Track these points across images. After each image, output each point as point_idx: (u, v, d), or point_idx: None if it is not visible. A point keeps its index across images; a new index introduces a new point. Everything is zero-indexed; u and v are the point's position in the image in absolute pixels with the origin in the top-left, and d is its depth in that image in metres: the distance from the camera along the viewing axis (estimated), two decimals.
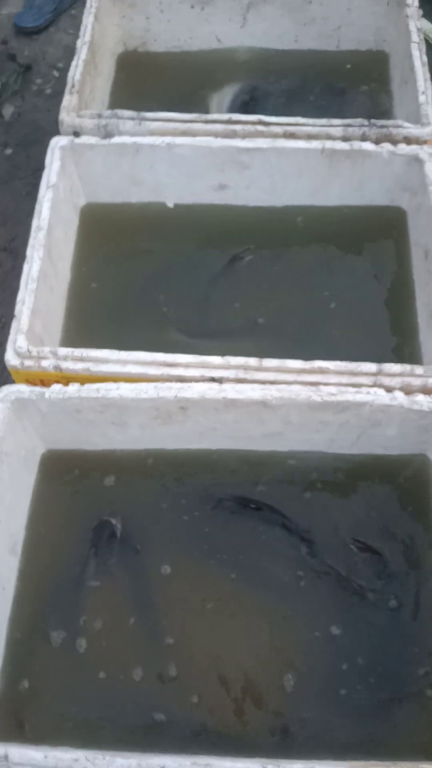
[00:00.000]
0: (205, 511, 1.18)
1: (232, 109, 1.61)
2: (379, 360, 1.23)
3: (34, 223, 1.24)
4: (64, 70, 2.09)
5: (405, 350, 1.29)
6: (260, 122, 1.34)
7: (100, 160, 1.36)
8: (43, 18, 2.17)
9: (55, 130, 1.95)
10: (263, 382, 1.08)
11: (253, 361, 1.09)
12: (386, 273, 1.40)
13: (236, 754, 0.84)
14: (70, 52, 2.13)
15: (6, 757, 0.82)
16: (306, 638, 1.05)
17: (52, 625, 1.07)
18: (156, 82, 1.73)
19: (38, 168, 1.84)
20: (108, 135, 1.35)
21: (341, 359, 1.11)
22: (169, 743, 0.94)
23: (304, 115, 1.56)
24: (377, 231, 1.44)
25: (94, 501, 1.19)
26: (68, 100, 1.38)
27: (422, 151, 1.31)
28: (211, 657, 1.04)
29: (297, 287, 1.39)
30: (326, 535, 1.14)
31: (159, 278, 1.41)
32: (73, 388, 1.08)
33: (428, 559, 1.12)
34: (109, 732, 0.98)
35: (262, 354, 1.12)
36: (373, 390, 1.06)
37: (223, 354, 1.11)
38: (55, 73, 2.08)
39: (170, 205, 1.42)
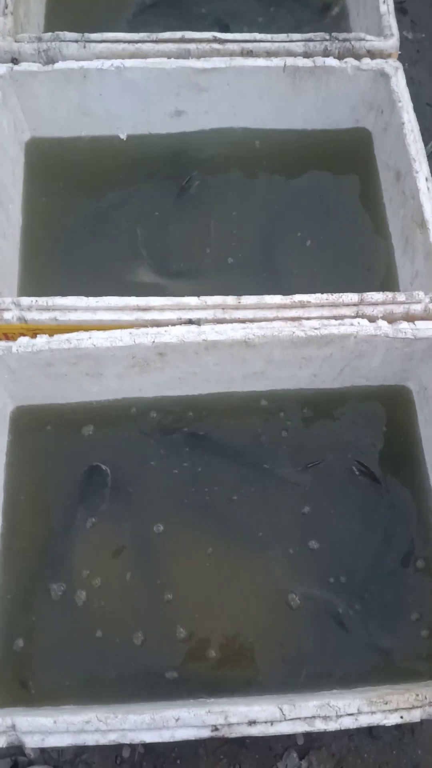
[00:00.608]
0: (185, 454, 1.15)
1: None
2: (357, 288, 1.21)
3: None
4: None
5: (381, 276, 1.26)
6: (215, 39, 1.24)
7: (43, 89, 1.24)
8: None
9: None
10: (243, 321, 1.04)
11: (230, 299, 1.04)
12: (355, 198, 1.35)
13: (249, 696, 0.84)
14: None
15: (14, 727, 0.80)
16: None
17: (47, 579, 1.04)
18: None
19: None
20: (50, 60, 1.23)
21: (317, 290, 1.07)
22: (178, 695, 0.93)
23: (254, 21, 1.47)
24: (343, 154, 1.38)
25: (72, 456, 1.14)
26: (2, 23, 1.24)
27: (388, 66, 1.24)
28: (209, 600, 1.03)
29: (261, 217, 1.33)
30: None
31: (115, 216, 1.33)
32: (41, 341, 1.01)
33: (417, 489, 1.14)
34: (116, 686, 0.97)
35: (234, 289, 1.08)
36: (356, 321, 1.03)
37: (198, 294, 1.05)
38: None
39: (123, 137, 1.32)
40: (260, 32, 1.26)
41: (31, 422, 1.16)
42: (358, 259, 1.28)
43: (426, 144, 1.65)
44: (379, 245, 1.28)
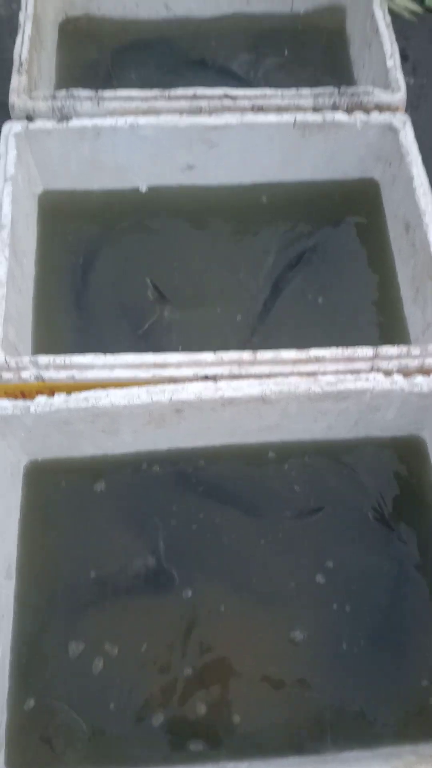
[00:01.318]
0: (198, 506, 1.15)
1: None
2: (368, 339, 1.22)
3: None
4: None
5: (392, 325, 1.27)
6: (227, 96, 1.26)
7: (57, 145, 1.26)
8: None
9: None
10: (259, 376, 1.04)
11: (246, 354, 1.05)
12: (364, 247, 1.36)
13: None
14: (2, 24, 1.98)
15: None
16: None
17: (61, 639, 1.03)
18: (101, 51, 1.62)
19: None
20: (64, 117, 1.25)
21: (329, 343, 1.08)
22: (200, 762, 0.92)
23: (264, 77, 1.50)
24: (351, 204, 1.40)
25: (86, 511, 1.14)
26: (17, 81, 1.27)
27: (396, 119, 1.27)
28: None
29: (270, 266, 1.34)
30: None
31: (126, 268, 1.34)
32: (59, 399, 1.01)
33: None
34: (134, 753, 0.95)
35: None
36: (371, 375, 1.03)
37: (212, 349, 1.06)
38: None
39: (143, 189, 1.34)
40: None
41: (44, 476, 1.15)
42: (369, 308, 1.29)
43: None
44: (389, 294, 1.29)
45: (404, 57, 1.95)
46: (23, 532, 1.11)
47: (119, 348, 1.06)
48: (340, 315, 1.29)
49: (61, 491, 1.15)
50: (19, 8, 2.01)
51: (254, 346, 1.09)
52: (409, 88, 1.89)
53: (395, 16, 2.01)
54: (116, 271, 1.33)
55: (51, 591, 1.08)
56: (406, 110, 1.35)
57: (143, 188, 1.34)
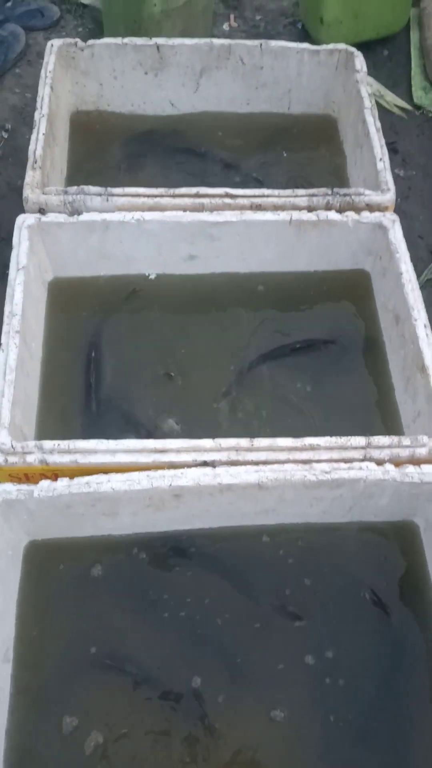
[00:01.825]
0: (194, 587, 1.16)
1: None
2: (361, 422, 1.26)
3: (7, 308, 1.21)
4: (13, 131, 2.07)
5: (383, 411, 1.32)
6: (227, 195, 1.35)
7: (67, 236, 1.34)
8: None
9: (7, 193, 1.93)
10: (256, 463, 1.08)
11: (244, 441, 1.09)
12: (355, 337, 1.42)
13: None
14: (17, 112, 2.12)
15: None
16: None
17: (55, 721, 1.03)
18: (111, 143, 1.73)
19: None
20: (75, 211, 1.34)
21: (322, 430, 1.13)
22: None
23: (263, 176, 1.61)
24: (343, 293, 1.48)
25: (82, 588, 1.15)
26: (31, 176, 1.36)
27: (385, 219, 1.36)
28: None
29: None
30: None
31: (127, 352, 1.39)
32: (62, 484, 1.04)
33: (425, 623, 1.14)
34: None
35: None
36: (364, 464, 1.07)
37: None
38: (4, 134, 2.04)
39: (152, 276, 1.41)
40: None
41: (43, 557, 1.17)
42: (360, 394, 1.34)
43: (419, 275, 1.77)
44: (381, 381, 1.34)
45: (394, 150, 2.09)
46: (21, 613, 1.12)
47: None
48: (335, 399, 1.34)
49: (60, 571, 1.16)
50: (32, 96, 2.17)
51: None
52: (400, 180, 2.03)
53: (386, 112, 2.16)
54: (119, 353, 1.38)
55: (48, 674, 1.08)
56: (397, 199, 1.44)
57: (152, 275, 1.40)
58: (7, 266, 1.74)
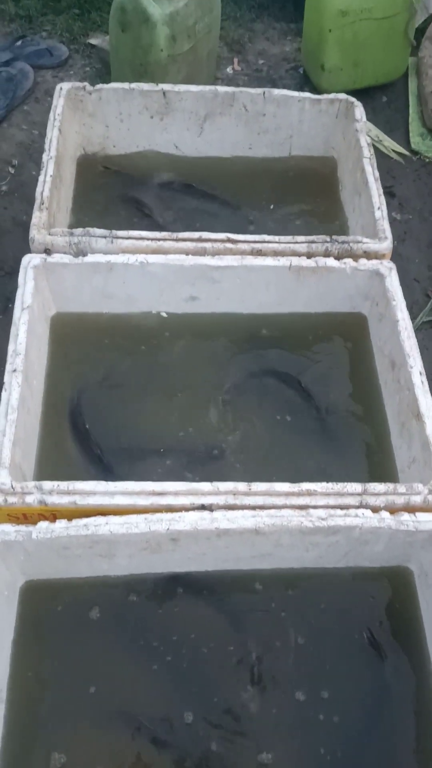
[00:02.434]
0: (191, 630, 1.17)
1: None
2: (356, 466, 1.28)
3: (11, 346, 1.23)
4: (20, 167, 2.11)
5: (378, 455, 1.33)
6: (229, 240, 1.39)
7: (72, 276, 1.37)
8: None
9: (12, 227, 1.97)
10: (253, 507, 1.09)
11: (242, 485, 1.10)
12: (352, 377, 1.45)
13: None
14: (24, 148, 2.17)
15: None
16: None
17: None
18: (116, 184, 1.77)
19: None
20: (80, 252, 1.36)
21: (321, 472, 1.14)
22: None
23: (263, 219, 1.64)
24: (340, 335, 1.51)
25: (78, 631, 1.15)
26: (38, 217, 1.39)
27: (382, 266, 1.39)
28: None
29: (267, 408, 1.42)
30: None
31: (127, 388, 1.41)
32: (60, 526, 1.05)
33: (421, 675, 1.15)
34: None
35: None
36: (360, 511, 1.08)
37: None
38: (11, 170, 2.09)
39: (164, 315, 1.44)
40: None
41: (40, 597, 1.17)
42: (356, 437, 1.36)
43: (415, 318, 1.80)
44: (376, 425, 1.36)
45: (391, 194, 2.14)
46: (16, 653, 1.12)
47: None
48: (332, 440, 1.35)
49: (55, 612, 1.16)
50: (39, 133, 2.22)
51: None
52: (397, 223, 2.07)
53: (384, 156, 2.22)
54: (118, 392, 1.40)
55: (40, 715, 1.07)
56: (394, 242, 1.48)
57: (164, 314, 1.44)
58: (9, 299, 1.78)
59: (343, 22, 2.11)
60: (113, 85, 1.69)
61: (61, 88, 1.64)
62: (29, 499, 1.07)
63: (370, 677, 1.14)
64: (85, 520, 1.06)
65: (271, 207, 1.75)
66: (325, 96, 1.71)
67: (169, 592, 1.18)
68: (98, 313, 1.47)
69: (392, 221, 2.06)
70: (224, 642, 1.16)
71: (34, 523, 1.08)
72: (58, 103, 1.61)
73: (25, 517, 1.10)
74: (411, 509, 1.10)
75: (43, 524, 1.05)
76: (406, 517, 1.09)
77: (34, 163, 2.13)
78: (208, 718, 1.09)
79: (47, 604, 1.16)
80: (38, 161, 2.10)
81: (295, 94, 1.70)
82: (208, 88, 1.68)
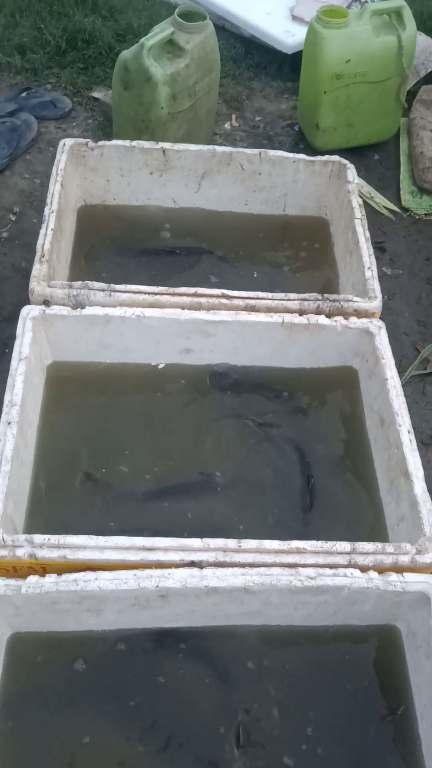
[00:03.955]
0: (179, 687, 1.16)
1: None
2: (346, 530, 1.29)
3: (7, 397, 1.25)
4: (21, 215, 2.16)
5: (368, 511, 1.35)
6: (224, 295, 1.42)
7: (69, 328, 1.40)
8: None
9: (11, 274, 2.00)
10: (243, 565, 1.10)
11: (231, 542, 1.11)
12: (341, 430, 1.47)
13: None
14: (25, 196, 2.22)
15: None
16: None
17: None
18: (114, 232, 1.82)
19: None
20: (78, 305, 1.40)
21: (308, 525, 1.15)
22: None
23: (256, 273, 1.69)
24: (330, 388, 1.54)
25: (63, 685, 1.14)
26: (38, 269, 1.42)
27: (372, 325, 1.43)
28: None
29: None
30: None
31: (121, 436, 1.43)
32: (50, 581, 1.05)
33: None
34: None
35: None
36: (349, 571, 1.09)
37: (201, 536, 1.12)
38: (12, 217, 2.13)
39: (161, 366, 1.47)
40: None
41: (25, 649, 1.17)
42: (346, 493, 1.37)
43: (404, 372, 1.84)
44: (365, 481, 1.38)
45: (382, 249, 2.20)
46: (2, 704, 1.11)
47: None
48: (319, 490, 1.37)
49: (41, 664, 1.16)
50: (40, 182, 2.28)
51: None
52: (387, 278, 2.13)
53: (375, 213, 2.29)
54: (111, 441, 1.41)
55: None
56: (384, 297, 1.52)
57: (161, 365, 1.47)
58: (6, 345, 1.80)
59: (337, 84, 2.20)
60: (115, 142, 1.75)
61: (64, 144, 1.70)
62: (20, 552, 1.08)
63: (358, 736, 1.14)
64: (74, 575, 1.06)
65: (265, 261, 1.80)
66: (318, 158, 1.77)
67: (156, 647, 1.18)
68: (94, 362, 1.50)
69: (383, 276, 2.12)
70: (211, 699, 1.16)
71: (24, 576, 1.08)
72: (61, 158, 1.67)
73: (15, 569, 1.11)
74: (399, 569, 1.11)
75: (32, 578, 1.06)
76: (394, 577, 1.10)
77: (34, 211, 2.17)
78: None
79: (33, 656, 1.16)
80: (39, 209, 2.16)
81: (290, 155, 1.76)
82: (206, 147, 1.75)
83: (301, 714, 1.15)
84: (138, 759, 1.09)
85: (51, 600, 1.06)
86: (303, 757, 1.11)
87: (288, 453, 1.43)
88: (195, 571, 1.08)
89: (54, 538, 1.09)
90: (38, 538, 1.09)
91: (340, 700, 1.17)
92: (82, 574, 1.06)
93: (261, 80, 2.71)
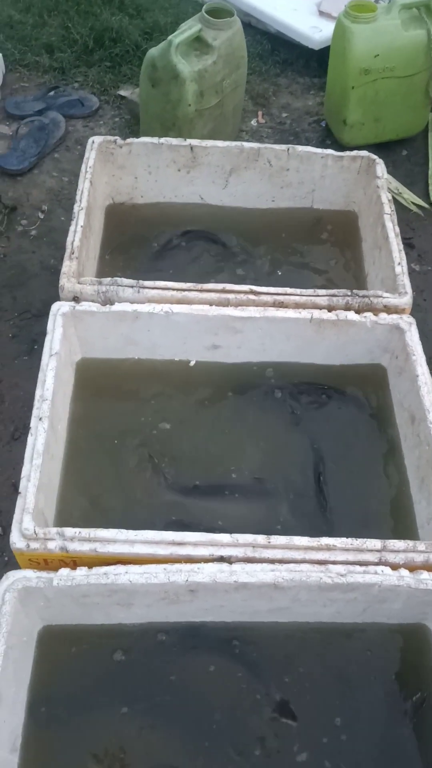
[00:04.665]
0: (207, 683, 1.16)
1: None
2: (375, 519, 1.28)
3: (38, 392, 1.26)
4: (49, 212, 2.18)
5: (398, 509, 1.33)
6: (252, 291, 1.42)
7: (98, 324, 1.41)
8: (27, 161, 2.27)
9: (40, 271, 2.02)
10: (272, 561, 1.10)
11: (261, 538, 1.11)
12: (371, 430, 1.46)
13: None
14: (53, 195, 2.24)
15: None
16: None
17: None
18: (142, 230, 1.83)
19: (24, 310, 1.90)
20: (107, 301, 1.40)
21: (338, 524, 1.15)
22: None
23: (283, 269, 1.68)
24: (359, 385, 1.52)
25: (93, 678, 1.15)
26: (68, 266, 1.43)
27: (402, 321, 1.41)
28: None
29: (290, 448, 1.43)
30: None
31: (149, 432, 1.43)
32: (80, 574, 1.06)
33: None
34: None
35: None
36: (380, 569, 1.09)
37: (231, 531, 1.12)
38: (40, 215, 2.15)
39: (192, 363, 1.47)
40: None
41: (56, 642, 1.18)
42: (375, 489, 1.36)
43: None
44: (395, 478, 1.37)
45: (410, 246, 2.17)
46: (32, 699, 1.12)
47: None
48: (348, 496, 1.36)
49: (72, 658, 1.17)
50: (68, 180, 2.29)
51: None
52: (416, 275, 2.10)
53: (403, 208, 2.26)
54: (140, 437, 1.42)
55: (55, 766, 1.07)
56: (413, 295, 1.50)
57: (192, 362, 1.47)
58: (35, 341, 1.82)
59: (365, 80, 2.18)
60: (143, 139, 1.75)
61: (93, 141, 1.71)
62: (51, 545, 1.09)
63: (388, 733, 1.13)
64: (105, 569, 1.07)
65: (292, 258, 1.79)
66: (347, 153, 1.76)
67: (184, 642, 1.18)
68: (122, 359, 1.51)
69: (411, 272, 2.08)
70: (238, 694, 1.15)
71: (55, 569, 1.09)
72: (90, 155, 1.68)
73: (46, 562, 1.12)
74: (430, 567, 1.10)
75: (64, 571, 1.07)
76: (425, 575, 1.09)
77: (62, 209, 2.19)
78: None
79: (64, 650, 1.17)
80: (67, 207, 2.18)
81: (318, 150, 1.75)
82: (234, 143, 1.75)
83: (329, 711, 1.15)
84: (167, 752, 1.10)
85: (81, 593, 1.07)
86: (327, 748, 1.10)
87: (306, 451, 1.42)
88: (224, 566, 1.08)
89: (85, 532, 1.10)
90: (69, 531, 1.10)
91: (367, 699, 1.17)
92: (112, 567, 1.07)
93: (287, 77, 2.70)
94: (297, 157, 1.75)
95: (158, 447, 1.41)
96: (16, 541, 1.09)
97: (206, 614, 1.16)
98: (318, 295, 1.43)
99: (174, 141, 1.74)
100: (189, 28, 1.93)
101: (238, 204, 1.85)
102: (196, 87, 1.98)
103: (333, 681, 1.17)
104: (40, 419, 1.21)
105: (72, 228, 1.53)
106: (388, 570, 1.08)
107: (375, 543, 1.11)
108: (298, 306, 1.42)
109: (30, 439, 1.20)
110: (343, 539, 1.11)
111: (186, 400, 1.48)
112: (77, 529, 1.10)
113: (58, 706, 1.12)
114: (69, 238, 1.51)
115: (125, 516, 1.28)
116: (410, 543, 1.11)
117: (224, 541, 1.10)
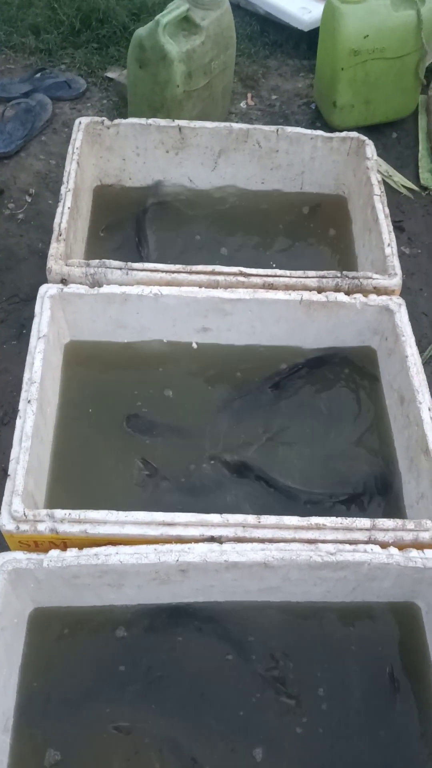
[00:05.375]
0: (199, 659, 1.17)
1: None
2: (365, 506, 1.29)
3: (26, 375, 1.25)
4: (37, 196, 2.15)
5: (387, 493, 1.34)
6: (241, 273, 1.41)
7: (87, 306, 1.40)
8: (13, 144, 2.24)
9: (28, 255, 2.00)
10: (262, 540, 1.10)
11: (251, 518, 1.11)
12: (360, 410, 1.46)
13: None
14: (41, 178, 2.21)
15: None
16: None
17: None
18: (131, 212, 1.81)
19: (12, 294, 1.88)
20: (95, 283, 1.39)
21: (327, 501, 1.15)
22: None
23: (273, 251, 1.67)
24: (349, 367, 1.52)
25: (85, 659, 1.16)
26: (55, 248, 1.42)
27: (392, 302, 1.41)
28: None
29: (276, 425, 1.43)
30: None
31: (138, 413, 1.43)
32: (71, 555, 1.06)
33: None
34: None
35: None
36: (369, 547, 1.09)
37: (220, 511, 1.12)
38: (27, 198, 2.13)
39: (194, 346, 1.46)
40: None
41: (47, 624, 1.18)
42: (365, 468, 1.36)
43: (423, 352, 1.82)
44: (385, 458, 1.37)
45: (401, 229, 2.17)
46: (23, 681, 1.12)
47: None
48: (338, 469, 1.36)
49: (63, 639, 1.17)
50: (56, 163, 2.27)
51: None
52: (405, 257, 2.10)
53: (393, 191, 2.25)
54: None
55: (46, 745, 1.07)
56: (403, 275, 1.50)
57: (194, 345, 1.46)
58: (24, 326, 1.81)
59: (355, 61, 2.16)
60: (131, 120, 1.73)
61: (80, 123, 1.69)
62: (41, 527, 1.09)
63: (376, 712, 1.14)
64: (95, 550, 1.07)
65: (282, 239, 1.78)
66: (336, 134, 1.75)
67: (176, 622, 1.19)
68: (111, 342, 1.50)
69: (401, 255, 2.09)
70: (228, 674, 1.16)
71: (45, 550, 1.09)
72: (77, 136, 1.66)
73: (36, 544, 1.11)
74: (419, 546, 1.11)
75: (54, 553, 1.07)
76: (414, 553, 1.09)
77: (50, 192, 2.17)
78: (214, 748, 1.08)
79: (55, 631, 1.17)
80: (54, 190, 2.16)
81: (308, 132, 1.74)
82: (223, 124, 1.73)
83: (318, 689, 1.16)
84: (159, 730, 1.10)
85: (72, 574, 1.07)
86: (316, 722, 1.11)
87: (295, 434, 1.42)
88: (215, 545, 1.08)
89: (75, 513, 1.10)
90: (59, 512, 1.09)
91: (357, 677, 1.17)
92: (102, 548, 1.07)
93: (277, 58, 2.67)
94: (286, 138, 1.74)
95: (147, 428, 1.41)
96: (6, 523, 1.08)
97: (197, 594, 1.17)
98: (308, 277, 1.43)
99: (162, 122, 1.72)
100: (176, 8, 1.90)
101: (227, 185, 1.83)
102: (185, 68, 1.95)
103: (324, 660, 1.18)
104: (29, 402, 1.20)
105: (59, 210, 1.51)
106: (377, 548, 1.09)
107: (364, 522, 1.11)
108: (287, 288, 1.41)
109: (19, 422, 1.19)
110: (333, 518, 1.12)
111: (176, 383, 1.47)
112: (67, 511, 1.10)
113: (50, 687, 1.13)
114: (56, 220, 1.49)
115: (115, 497, 1.27)
116: (399, 522, 1.12)
117: (214, 521, 1.11)
